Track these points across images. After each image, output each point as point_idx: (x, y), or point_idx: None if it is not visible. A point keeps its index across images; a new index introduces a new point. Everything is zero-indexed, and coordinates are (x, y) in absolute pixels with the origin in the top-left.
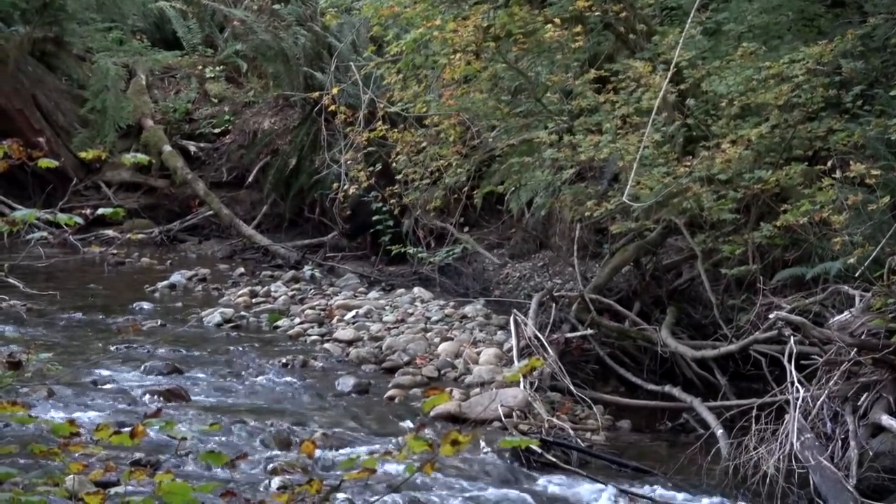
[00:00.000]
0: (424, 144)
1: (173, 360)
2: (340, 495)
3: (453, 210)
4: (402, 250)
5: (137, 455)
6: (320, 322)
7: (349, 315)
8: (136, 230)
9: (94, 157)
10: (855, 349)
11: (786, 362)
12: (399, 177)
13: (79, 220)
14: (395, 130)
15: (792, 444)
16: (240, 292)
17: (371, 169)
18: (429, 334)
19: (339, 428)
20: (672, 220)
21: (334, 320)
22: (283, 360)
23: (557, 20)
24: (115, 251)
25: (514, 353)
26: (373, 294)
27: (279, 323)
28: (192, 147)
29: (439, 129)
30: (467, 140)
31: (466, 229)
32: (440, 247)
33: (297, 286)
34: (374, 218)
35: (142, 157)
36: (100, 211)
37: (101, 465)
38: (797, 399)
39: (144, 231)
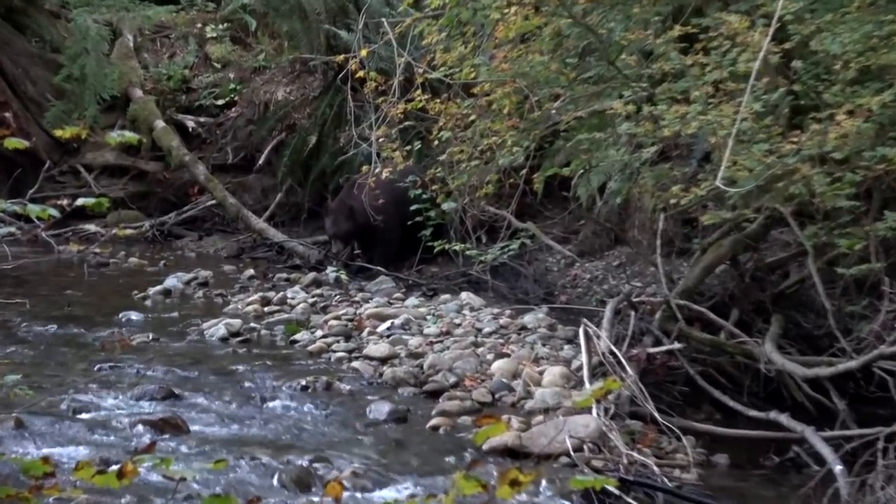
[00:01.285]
0: (473, 118)
1: (169, 383)
2: None
3: (508, 198)
4: (447, 247)
5: (126, 499)
6: (347, 335)
7: (383, 327)
8: (123, 224)
9: (72, 135)
10: None
11: None
12: (443, 157)
13: (53, 212)
14: (437, 101)
15: None
16: (249, 299)
17: (408, 148)
18: (480, 350)
19: (371, 465)
20: (776, 209)
21: (364, 333)
22: (303, 382)
23: None
24: (97, 250)
25: (585, 372)
26: (411, 301)
27: (297, 337)
28: (190, 122)
29: (491, 99)
30: (525, 112)
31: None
32: (493, 242)
33: (318, 291)
34: (413, 208)
35: (130, 136)
36: (79, 201)
37: None
38: None
39: (133, 225)
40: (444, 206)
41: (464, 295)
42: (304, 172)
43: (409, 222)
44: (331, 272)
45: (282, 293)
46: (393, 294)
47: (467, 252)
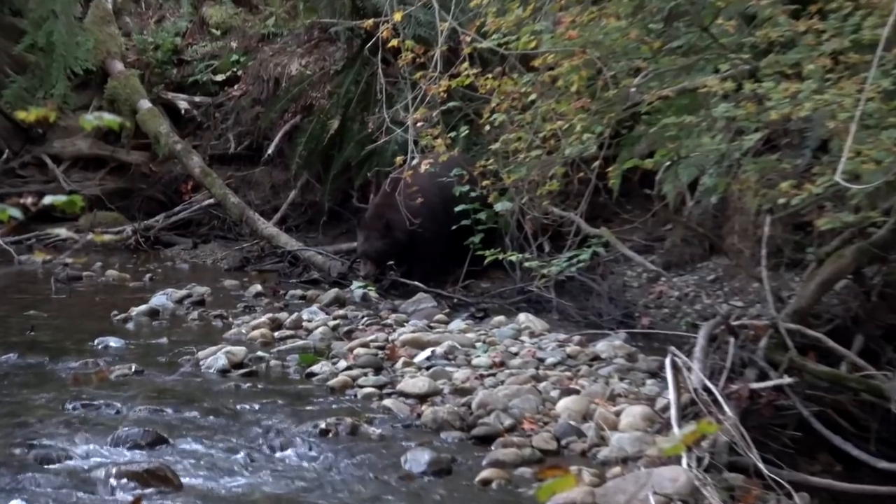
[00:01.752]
0: (533, 97)
1: (156, 425)
2: None
3: (577, 196)
4: (501, 257)
5: None
6: (377, 367)
7: (421, 356)
8: (100, 228)
9: (37, 118)
10: None
11: None
12: (495, 146)
13: (15, 212)
14: (489, 76)
15: None
16: (256, 322)
17: (452, 135)
18: (542, 385)
19: None
20: None
21: (398, 364)
22: (322, 425)
23: None
24: (67, 260)
25: (673, 413)
26: (457, 324)
27: (315, 368)
28: (182, 102)
29: (555, 73)
30: (597, 90)
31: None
32: (558, 252)
33: (341, 312)
34: (458, 209)
35: (108, 119)
36: (46, 200)
37: None
38: None
39: (112, 230)
40: (498, 207)
41: (522, 317)
42: (324, 165)
43: (455, 227)
44: (357, 288)
45: (296, 314)
46: (434, 315)
47: (526, 264)
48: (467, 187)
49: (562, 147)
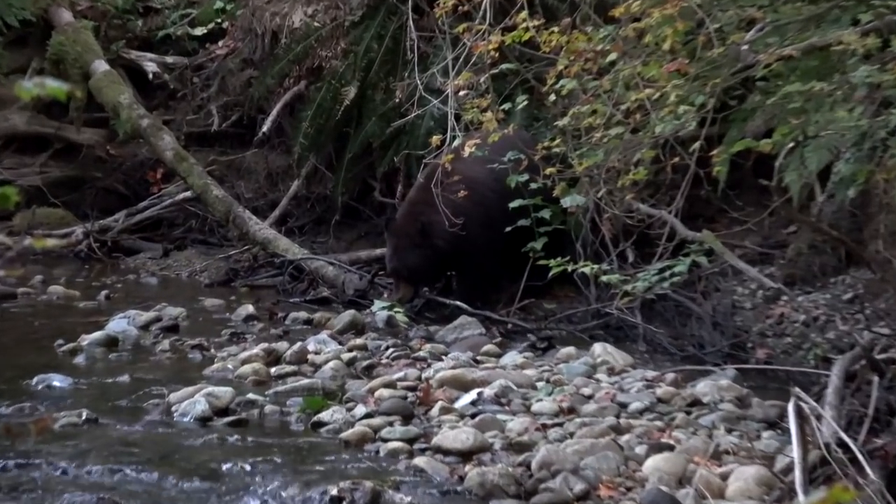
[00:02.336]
0: (613, 58)
1: (115, 492)
2: None
3: (671, 189)
4: (570, 269)
5: None
6: (407, 414)
7: (465, 399)
8: (41, 230)
9: None
10: None
11: None
12: (563, 122)
13: None
14: (554, 30)
15: None
16: (246, 354)
17: (506, 107)
18: (625, 438)
19: None
20: None
21: (435, 410)
22: (334, 491)
23: None
24: None
25: (798, 475)
26: (511, 357)
27: (325, 416)
28: (150, 64)
29: (642, 26)
30: (697, 49)
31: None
32: (645, 262)
33: (359, 342)
34: (514, 205)
35: (52, 86)
36: None
37: None
38: None
39: (57, 232)
40: (566, 202)
41: (598, 348)
42: (337, 147)
43: (509, 229)
44: (379, 310)
45: (299, 344)
46: (481, 346)
47: (603, 278)
48: (526, 176)
49: (650, 123)
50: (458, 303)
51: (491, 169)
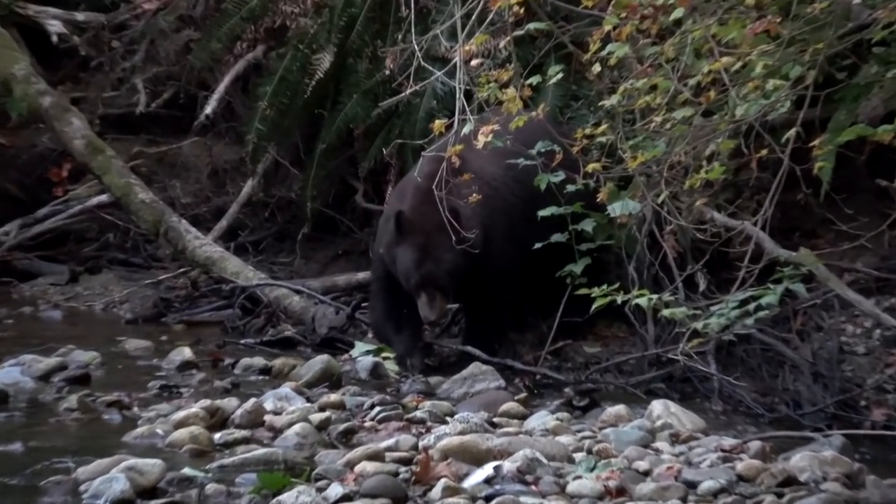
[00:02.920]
0: (679, 14)
1: None
2: None
3: (756, 193)
4: (620, 299)
5: None
6: (399, 496)
7: (476, 476)
8: None
9: None
10: None
11: None
12: (611, 102)
13: None
14: None
15: None
16: (182, 415)
17: (532, 81)
18: None
19: None
20: None
21: (436, 489)
22: None
23: None
24: None
25: None
26: (539, 418)
27: (286, 498)
28: (53, 24)
29: None
30: (792, 5)
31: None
32: (721, 292)
33: (335, 398)
34: (542, 214)
35: None
36: None
37: None
38: None
39: None
40: (615, 210)
41: (657, 406)
42: (307, 134)
43: (538, 246)
44: (361, 354)
45: (253, 401)
46: (499, 404)
47: (665, 312)
48: (561, 175)
49: (729, 104)
50: (469, 347)
51: (511, 165)
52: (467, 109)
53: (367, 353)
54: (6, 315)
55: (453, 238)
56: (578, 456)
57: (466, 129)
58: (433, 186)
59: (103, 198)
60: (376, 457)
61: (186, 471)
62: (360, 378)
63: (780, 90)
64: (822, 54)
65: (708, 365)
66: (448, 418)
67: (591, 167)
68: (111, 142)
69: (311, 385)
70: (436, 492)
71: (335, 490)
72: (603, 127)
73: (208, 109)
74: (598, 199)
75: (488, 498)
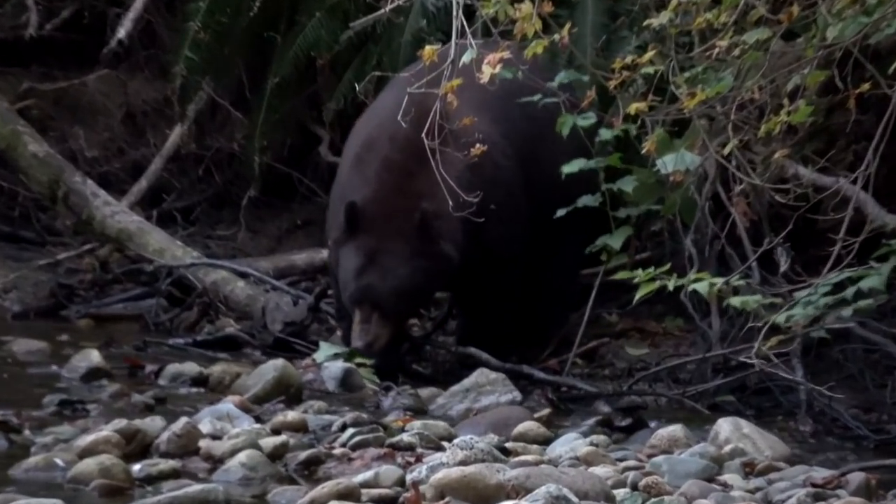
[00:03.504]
0: None
1: None
2: None
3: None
4: (673, 285)
5: None
6: None
7: None
8: None
9: None
10: None
11: None
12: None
13: None
14: None
15: None
16: (88, 439)
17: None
18: None
19: None
20: None
21: None
22: None
23: None
24: None
25: None
26: (567, 443)
27: None
28: None
29: None
30: None
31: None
32: (809, 274)
33: (294, 416)
34: (567, 169)
35: None
36: None
37: None
38: None
39: None
40: (666, 165)
41: (725, 427)
42: (254, 65)
43: (562, 212)
44: (328, 358)
45: (184, 422)
46: (514, 424)
47: (734, 301)
48: (592, 118)
49: (818, 22)
50: (473, 350)
51: (497, 118)
52: (468, 31)
53: (336, 356)
54: None
55: (414, 247)
56: (620, 493)
57: (467, 58)
58: (408, 165)
59: None
60: (349, 495)
61: None
62: (328, 390)
63: (886, 4)
64: None
65: (792, 371)
66: (445, 443)
67: (633, 107)
68: None
69: (262, 400)
70: None
71: None
72: (650, 54)
73: (121, 33)
74: (643, 151)
75: None
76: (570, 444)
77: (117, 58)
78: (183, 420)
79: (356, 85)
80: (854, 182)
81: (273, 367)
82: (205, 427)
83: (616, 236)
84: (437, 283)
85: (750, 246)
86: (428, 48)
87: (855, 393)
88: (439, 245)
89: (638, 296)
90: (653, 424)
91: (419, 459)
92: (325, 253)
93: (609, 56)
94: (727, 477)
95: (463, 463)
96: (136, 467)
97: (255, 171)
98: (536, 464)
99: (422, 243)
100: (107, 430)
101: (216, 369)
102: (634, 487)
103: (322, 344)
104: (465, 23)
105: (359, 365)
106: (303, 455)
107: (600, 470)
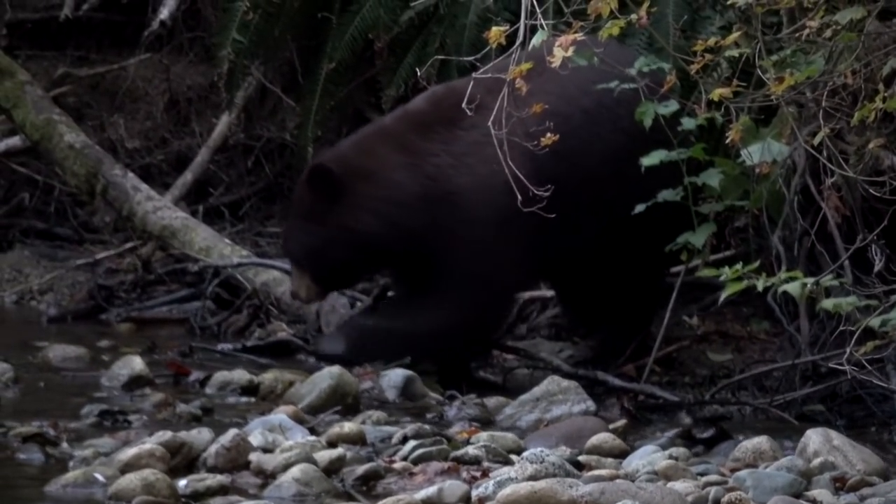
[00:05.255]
0: None
1: None
2: None
3: None
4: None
5: None
6: None
7: None
8: None
9: None
10: None
11: None
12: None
13: None
14: None
15: None
16: (130, 453)
17: None
18: None
19: None
20: None
21: None
22: None
23: None
24: None
25: None
26: (645, 456)
27: None
28: None
29: None
30: None
31: None
32: None
33: (352, 428)
34: (647, 162)
35: None
36: None
37: None
38: None
39: None
40: (752, 155)
41: (815, 438)
42: (306, 48)
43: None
44: (388, 369)
45: (233, 434)
46: (587, 435)
47: (826, 303)
48: (673, 105)
49: None
50: (545, 355)
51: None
52: (538, 11)
53: (397, 363)
54: None
55: (310, 210)
56: None
57: (537, 41)
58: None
59: (13, 141)
60: None
61: None
62: (387, 399)
63: None
64: None
65: (887, 378)
66: (514, 457)
67: (716, 93)
68: (24, 60)
69: (317, 410)
70: None
71: None
72: (734, 35)
73: (164, 13)
74: (727, 141)
75: None
76: (647, 457)
77: (159, 40)
78: (232, 432)
79: (417, 70)
80: None
81: (328, 374)
82: (255, 439)
83: (699, 233)
84: (350, 256)
85: (842, 243)
86: (494, 29)
87: None
88: (353, 216)
89: (723, 296)
90: (737, 437)
91: (485, 474)
92: None
93: (691, 38)
94: (816, 492)
95: (533, 478)
96: (182, 483)
97: (307, 162)
98: (611, 478)
99: (323, 211)
100: (150, 443)
101: (267, 377)
102: (717, 503)
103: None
104: (535, 2)
105: (422, 372)
106: (361, 469)
107: (680, 485)
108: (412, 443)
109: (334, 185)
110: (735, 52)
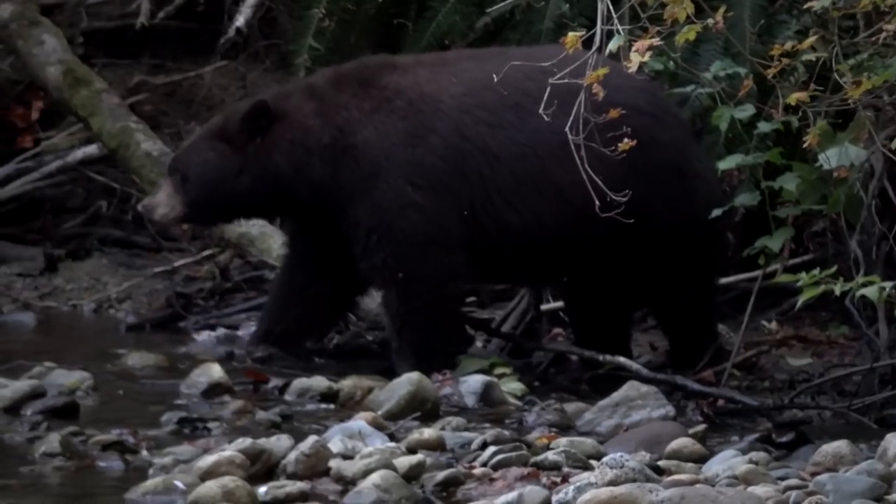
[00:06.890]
0: None
1: None
2: None
3: None
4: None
5: None
6: None
7: None
8: None
9: None
10: None
11: None
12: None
13: None
14: None
15: None
16: (210, 460)
17: None
18: None
19: None
20: None
21: None
22: None
23: None
24: None
25: None
26: (724, 461)
27: None
28: None
29: None
30: None
31: None
32: None
33: (430, 434)
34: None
35: None
36: None
37: None
38: None
39: None
40: (829, 160)
41: (892, 442)
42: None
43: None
44: (469, 372)
45: (312, 440)
46: (666, 440)
47: None
48: (751, 109)
49: None
50: (622, 359)
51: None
52: (614, 16)
53: (477, 370)
54: None
55: (226, 134)
56: None
57: (614, 45)
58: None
59: (91, 150)
60: None
61: None
62: (466, 405)
63: None
64: None
65: None
66: (593, 462)
67: (793, 98)
68: (101, 69)
69: (396, 416)
70: None
71: None
72: (811, 39)
73: (240, 21)
74: (805, 145)
75: None
76: (727, 461)
77: (235, 48)
78: (311, 439)
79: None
80: None
81: (408, 381)
82: (335, 446)
83: (776, 237)
84: (247, 183)
85: None
86: (571, 35)
87: None
88: (260, 147)
89: (801, 300)
90: (816, 441)
91: (565, 479)
92: None
93: (767, 42)
94: None
95: (612, 483)
96: (262, 490)
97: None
98: (692, 483)
99: (243, 135)
100: (230, 451)
101: (346, 384)
102: None
103: (462, 358)
104: (611, 6)
105: (502, 377)
106: (440, 475)
107: (760, 489)
108: (492, 448)
109: (264, 121)
110: (812, 56)
